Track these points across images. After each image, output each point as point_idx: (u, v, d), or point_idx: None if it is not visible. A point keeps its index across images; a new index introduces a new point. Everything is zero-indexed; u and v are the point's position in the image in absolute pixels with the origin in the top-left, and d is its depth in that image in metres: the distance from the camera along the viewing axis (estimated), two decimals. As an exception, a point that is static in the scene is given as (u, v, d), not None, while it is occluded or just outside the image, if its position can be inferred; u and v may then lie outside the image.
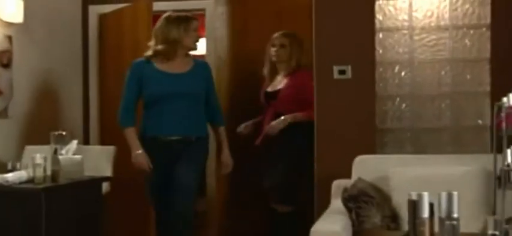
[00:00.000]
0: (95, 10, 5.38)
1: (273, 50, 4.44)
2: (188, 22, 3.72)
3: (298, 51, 4.42)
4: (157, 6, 4.95)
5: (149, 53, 3.69)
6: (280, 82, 4.45)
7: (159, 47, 3.66)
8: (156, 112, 3.59)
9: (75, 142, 3.54)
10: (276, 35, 4.46)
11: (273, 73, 4.49)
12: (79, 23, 5.37)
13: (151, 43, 3.73)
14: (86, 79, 5.37)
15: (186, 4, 5.18)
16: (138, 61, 3.71)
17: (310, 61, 4.33)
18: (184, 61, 3.73)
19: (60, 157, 3.45)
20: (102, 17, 5.37)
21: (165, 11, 5.38)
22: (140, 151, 3.52)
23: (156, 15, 4.91)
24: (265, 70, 4.50)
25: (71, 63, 5.26)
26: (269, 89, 4.48)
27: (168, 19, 3.76)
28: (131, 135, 3.59)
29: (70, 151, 3.49)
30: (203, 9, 5.27)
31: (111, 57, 5.26)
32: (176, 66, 3.69)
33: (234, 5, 4.99)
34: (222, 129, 3.86)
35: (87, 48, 5.39)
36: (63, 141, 3.53)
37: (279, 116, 4.37)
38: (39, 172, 3.36)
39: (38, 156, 3.37)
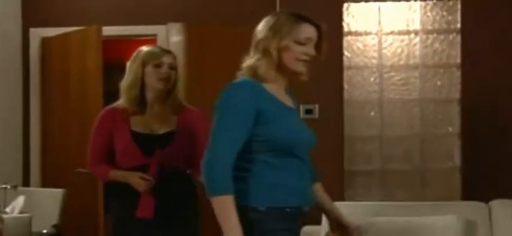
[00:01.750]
0: (37, 33, 4.94)
1: (158, 71, 2.77)
2: None
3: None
4: (107, 31, 4.60)
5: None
6: (167, 122, 2.82)
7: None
8: (289, 168, 2.12)
9: (22, 198, 3.16)
10: (155, 49, 2.88)
11: (139, 104, 2.80)
12: (19, 47, 4.93)
13: (254, 56, 2.16)
14: (26, 110, 4.91)
15: (137, 29, 4.87)
16: (250, 82, 2.12)
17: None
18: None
19: (4, 216, 3.08)
20: (46, 41, 4.94)
21: (115, 36, 5.12)
22: None
23: (106, 40, 4.61)
24: (128, 101, 2.79)
25: (9, 92, 4.81)
26: (145, 130, 2.80)
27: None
28: (230, 206, 1.97)
29: (16, 209, 3.12)
30: (155, 35, 4.94)
31: (55, 85, 4.85)
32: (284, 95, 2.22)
33: (190, 32, 4.67)
34: (320, 186, 2.38)
35: (28, 75, 4.94)
36: (7, 195, 3.15)
37: (168, 172, 2.76)
38: (-19, 235, 2.98)
39: (-22, 216, 2.99)
